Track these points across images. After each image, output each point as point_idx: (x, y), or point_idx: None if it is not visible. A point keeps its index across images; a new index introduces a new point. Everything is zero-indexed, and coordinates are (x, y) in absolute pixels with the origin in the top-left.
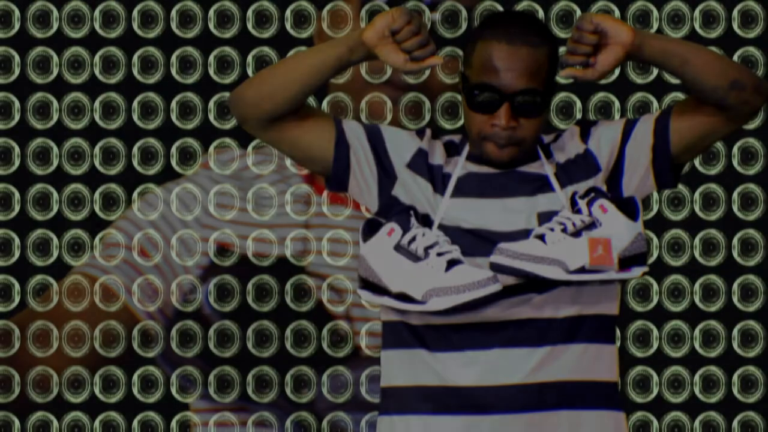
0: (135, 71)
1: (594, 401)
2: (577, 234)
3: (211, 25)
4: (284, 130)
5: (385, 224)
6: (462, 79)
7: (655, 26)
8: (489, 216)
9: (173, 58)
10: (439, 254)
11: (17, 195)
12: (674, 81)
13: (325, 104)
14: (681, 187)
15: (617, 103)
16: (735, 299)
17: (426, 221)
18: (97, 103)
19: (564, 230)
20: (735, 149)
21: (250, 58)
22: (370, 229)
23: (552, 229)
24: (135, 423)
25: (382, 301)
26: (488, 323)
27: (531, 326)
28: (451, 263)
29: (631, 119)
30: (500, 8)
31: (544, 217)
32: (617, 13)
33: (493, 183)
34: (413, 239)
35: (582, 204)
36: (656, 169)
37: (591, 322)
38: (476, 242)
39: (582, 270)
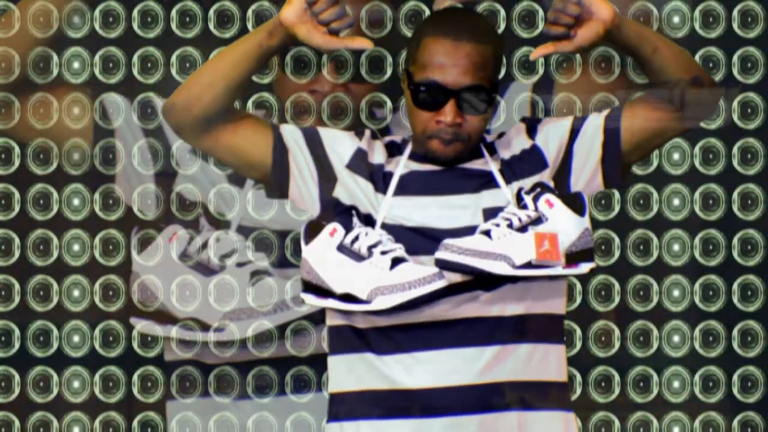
0: (135, 71)
1: (543, 402)
2: (523, 229)
3: (211, 25)
4: (220, 137)
5: (327, 225)
6: (407, 76)
7: (655, 26)
8: (432, 213)
9: (173, 58)
10: (383, 253)
11: (17, 195)
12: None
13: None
14: (681, 187)
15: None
16: (735, 299)
17: (369, 221)
18: (97, 104)
19: (510, 225)
20: (735, 149)
21: None
22: (312, 231)
23: (498, 225)
24: (135, 423)
25: (326, 304)
26: (435, 323)
27: (479, 325)
28: (396, 261)
29: (579, 117)
30: (500, 8)
31: (490, 214)
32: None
33: (435, 180)
34: (356, 239)
35: (528, 199)
36: (605, 167)
37: (539, 321)
38: (420, 240)
39: (529, 265)
